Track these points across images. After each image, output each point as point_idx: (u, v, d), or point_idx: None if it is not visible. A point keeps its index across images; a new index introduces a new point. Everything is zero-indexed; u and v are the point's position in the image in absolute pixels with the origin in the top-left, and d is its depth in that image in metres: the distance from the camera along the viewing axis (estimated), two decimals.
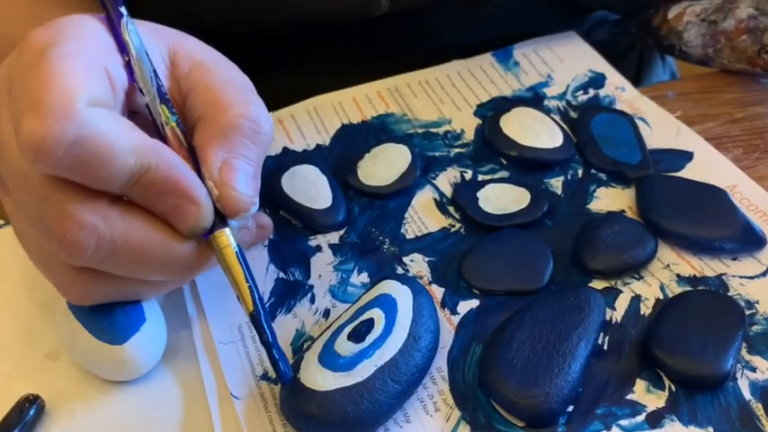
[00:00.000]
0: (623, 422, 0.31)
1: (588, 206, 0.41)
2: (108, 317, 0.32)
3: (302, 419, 0.30)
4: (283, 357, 0.30)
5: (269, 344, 0.30)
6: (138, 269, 0.30)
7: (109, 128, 0.27)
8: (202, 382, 0.33)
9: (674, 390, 0.32)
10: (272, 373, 0.33)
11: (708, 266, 0.38)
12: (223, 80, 0.33)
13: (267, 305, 0.36)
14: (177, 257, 0.30)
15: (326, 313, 0.36)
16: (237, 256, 0.30)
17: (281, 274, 0.37)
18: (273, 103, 0.43)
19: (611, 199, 0.41)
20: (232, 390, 0.32)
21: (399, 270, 0.38)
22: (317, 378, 0.30)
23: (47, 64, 0.27)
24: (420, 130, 0.46)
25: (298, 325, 0.35)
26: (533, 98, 0.48)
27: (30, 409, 0.32)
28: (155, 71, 0.32)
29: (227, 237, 0.30)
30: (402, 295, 0.34)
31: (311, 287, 0.37)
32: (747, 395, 0.32)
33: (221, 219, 0.31)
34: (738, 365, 0.33)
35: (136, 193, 0.29)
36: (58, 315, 0.33)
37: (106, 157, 0.27)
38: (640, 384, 0.33)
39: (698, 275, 0.37)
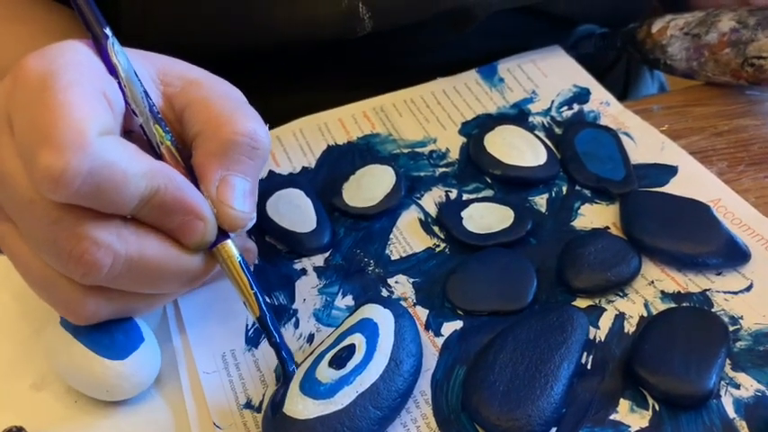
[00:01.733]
0: None
1: (572, 223, 0.41)
2: (108, 335, 0.33)
3: None
4: (291, 357, 0.32)
5: (277, 345, 0.32)
6: (152, 283, 0.31)
7: (120, 156, 0.29)
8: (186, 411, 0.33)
9: (657, 409, 0.32)
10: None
11: (692, 282, 0.38)
12: (218, 95, 0.34)
13: (251, 331, 0.36)
14: (187, 269, 0.32)
15: (311, 338, 0.36)
16: (241, 265, 0.32)
17: (266, 299, 0.37)
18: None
19: (595, 216, 0.42)
20: (215, 419, 0.32)
21: (384, 292, 0.38)
22: (298, 406, 0.30)
23: (52, 96, 0.28)
24: (405, 150, 0.47)
25: None
26: (518, 115, 0.49)
27: None
28: (145, 91, 0.33)
29: (229, 248, 0.32)
30: (384, 319, 0.34)
31: (295, 311, 0.37)
32: (732, 413, 0.32)
33: (222, 231, 0.32)
34: (722, 383, 0.33)
35: (145, 214, 0.30)
36: (50, 337, 0.34)
37: (120, 184, 0.28)
38: (624, 404, 0.33)
39: (682, 291, 0.37)
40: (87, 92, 0.29)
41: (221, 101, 0.33)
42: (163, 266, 0.31)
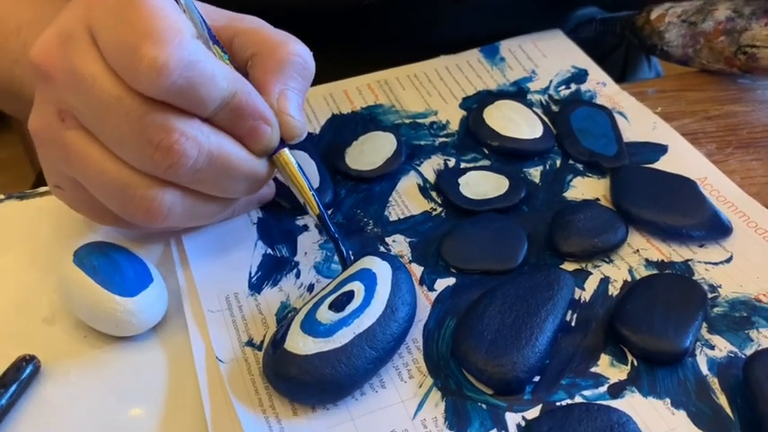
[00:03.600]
0: (586, 392, 0.33)
1: (564, 194, 0.43)
2: (119, 274, 0.35)
3: (282, 381, 0.32)
4: (348, 250, 0.36)
5: (335, 238, 0.36)
6: (225, 181, 0.34)
7: (208, 57, 0.31)
8: (190, 347, 0.35)
9: (636, 364, 0.34)
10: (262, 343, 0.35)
11: (675, 252, 0.40)
12: (263, 25, 0.37)
13: (255, 278, 0.38)
14: (256, 171, 0.35)
15: (311, 288, 0.38)
16: (298, 171, 0.36)
17: (269, 251, 0.39)
18: None
19: (586, 188, 0.43)
20: (218, 354, 0.34)
21: (382, 249, 0.40)
22: (299, 343, 0.32)
23: (144, 3, 0.30)
24: (407, 121, 0.48)
25: (283, 298, 0.37)
26: (517, 92, 0.50)
27: (26, 367, 0.34)
28: (202, 17, 0.35)
29: (287, 155, 0.36)
30: (382, 270, 0.36)
31: (297, 263, 0.39)
32: (705, 370, 0.34)
33: (280, 141, 0.35)
34: (698, 343, 0.35)
35: (222, 116, 0.32)
36: (64, 274, 0.35)
37: (209, 81, 0.31)
38: (604, 359, 0.35)
39: (665, 260, 0.39)
40: (171, 4, 0.32)
41: (269, 29, 0.37)
42: (236, 164, 0.33)
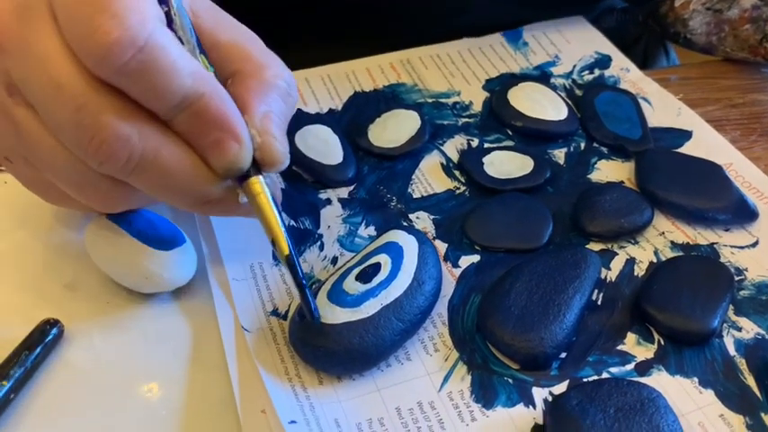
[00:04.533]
0: (613, 369, 0.33)
1: (589, 176, 0.43)
2: (153, 230, 0.34)
3: (310, 350, 0.32)
4: (314, 298, 0.32)
5: (302, 285, 0.31)
6: (160, 190, 0.30)
7: (173, 46, 0.28)
8: (215, 316, 0.34)
9: (662, 343, 0.34)
10: (279, 311, 0.35)
11: (701, 236, 0.39)
12: (251, 38, 0.34)
13: None
14: (203, 191, 0.30)
15: (334, 260, 0.37)
16: (271, 203, 0.31)
17: (292, 222, 0.39)
18: None
19: (610, 170, 0.43)
20: (243, 323, 0.34)
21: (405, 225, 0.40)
22: (326, 313, 0.32)
23: None
24: (430, 100, 0.48)
25: (307, 269, 0.37)
26: (540, 76, 0.50)
27: (50, 330, 0.33)
28: (191, 24, 0.32)
29: (261, 184, 0.31)
30: (408, 244, 0.35)
31: (320, 236, 0.39)
32: (732, 351, 0.34)
33: (255, 168, 0.31)
34: (725, 325, 0.35)
35: (182, 120, 0.29)
36: (94, 229, 0.35)
37: (168, 70, 0.27)
38: (631, 337, 0.34)
39: (691, 243, 0.39)
40: None
41: (256, 44, 0.34)
42: (177, 178, 0.30)
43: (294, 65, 0.49)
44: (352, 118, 0.47)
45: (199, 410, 0.32)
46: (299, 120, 0.45)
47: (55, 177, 0.31)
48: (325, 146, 0.43)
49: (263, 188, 0.31)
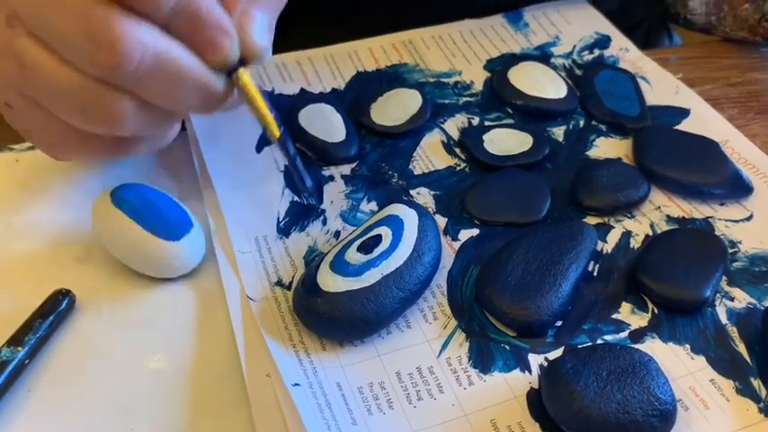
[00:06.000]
0: (607, 337, 0.34)
1: (587, 153, 0.44)
2: (161, 216, 0.35)
3: (313, 317, 0.33)
4: (305, 171, 0.34)
5: (294, 158, 0.34)
6: (175, 91, 0.31)
7: None
8: (219, 287, 0.36)
9: (656, 312, 0.35)
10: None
11: (696, 210, 0.40)
12: None
13: (282, 223, 0.39)
14: (208, 83, 0.32)
15: (337, 234, 0.38)
16: (259, 92, 0.34)
17: (295, 198, 0.40)
18: None
19: (609, 147, 0.44)
20: (249, 293, 0.35)
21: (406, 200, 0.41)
22: (328, 281, 0.33)
23: None
24: (431, 80, 0.49)
25: (310, 242, 0.38)
26: (541, 56, 0.51)
27: (62, 300, 0.34)
28: None
29: (246, 75, 0.33)
30: (409, 217, 0.36)
31: (323, 211, 0.40)
32: (724, 320, 0.35)
33: (240, 60, 0.33)
34: (718, 295, 0.36)
35: (178, 24, 0.31)
36: (104, 218, 0.36)
37: None
38: (625, 306, 0.35)
39: (686, 217, 0.40)
40: None
41: None
42: (187, 72, 0.31)
43: (295, 47, 0.50)
44: (355, 97, 0.47)
45: (206, 377, 0.33)
46: (304, 99, 0.46)
47: (59, 105, 0.32)
48: (328, 124, 0.44)
49: (249, 78, 0.33)
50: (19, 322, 0.34)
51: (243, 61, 0.33)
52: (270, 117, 0.34)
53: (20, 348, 0.32)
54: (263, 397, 0.31)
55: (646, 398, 0.29)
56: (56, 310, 0.34)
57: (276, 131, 0.34)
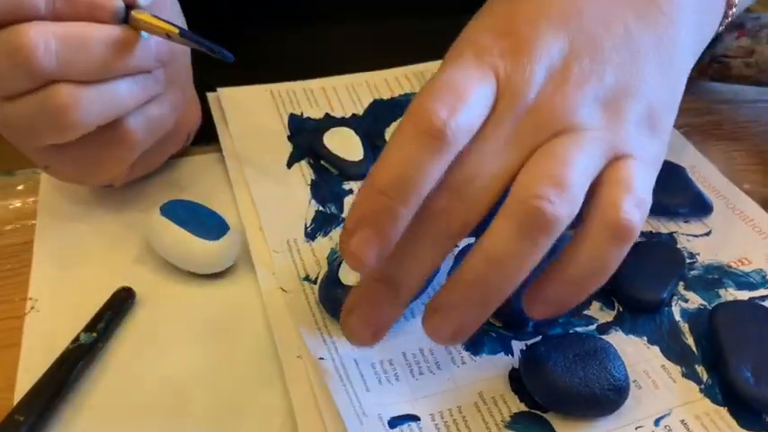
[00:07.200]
0: (578, 329, 0.41)
1: None
2: (202, 222, 0.42)
3: (335, 306, 0.39)
4: (204, 40, 0.38)
5: (197, 39, 0.37)
6: (93, 59, 0.35)
7: None
8: (255, 283, 0.43)
9: (621, 310, 0.42)
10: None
11: (662, 225, 0.47)
12: None
13: (309, 229, 0.46)
14: (114, 36, 0.36)
15: None
16: (154, 16, 0.38)
17: (320, 208, 0.47)
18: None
19: None
20: (282, 285, 0.42)
21: None
22: (350, 276, 0.40)
23: None
24: None
25: (333, 245, 0.45)
26: None
27: (125, 296, 0.41)
28: None
29: (141, 13, 0.38)
30: None
31: (344, 219, 0.47)
32: (678, 317, 0.41)
33: (127, 8, 0.38)
34: (675, 297, 0.42)
35: (61, 11, 0.35)
36: (153, 225, 0.43)
37: None
38: (595, 305, 0.42)
39: (653, 231, 0.46)
40: None
41: None
42: (90, 35, 0.35)
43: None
44: (372, 122, 0.55)
45: (245, 358, 0.39)
46: (328, 122, 0.53)
47: (27, 136, 0.37)
48: (348, 144, 0.51)
49: (143, 13, 0.38)
50: (90, 312, 0.40)
51: (129, 7, 0.38)
52: (168, 26, 0.37)
53: (94, 334, 0.39)
54: (296, 374, 0.37)
55: (603, 375, 0.36)
56: (120, 304, 0.41)
57: (174, 29, 0.37)
